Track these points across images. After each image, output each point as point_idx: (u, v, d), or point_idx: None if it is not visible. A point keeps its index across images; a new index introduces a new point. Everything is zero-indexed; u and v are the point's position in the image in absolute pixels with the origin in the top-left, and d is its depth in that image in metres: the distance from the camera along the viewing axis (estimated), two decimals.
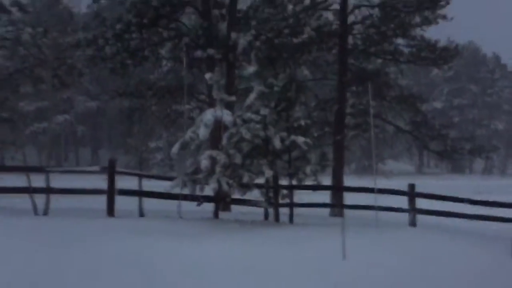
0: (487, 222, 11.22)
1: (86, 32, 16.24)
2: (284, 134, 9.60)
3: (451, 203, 11.29)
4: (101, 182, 10.62)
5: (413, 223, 10.68)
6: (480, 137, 56.33)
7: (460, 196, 12.09)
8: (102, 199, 9.94)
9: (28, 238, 6.88)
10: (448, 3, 16.04)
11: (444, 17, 16.30)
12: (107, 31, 15.10)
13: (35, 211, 9.78)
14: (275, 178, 10.00)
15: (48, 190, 9.90)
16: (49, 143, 47.44)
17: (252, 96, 10.20)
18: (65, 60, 16.22)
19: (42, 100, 43.36)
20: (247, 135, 9.49)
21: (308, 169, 9.48)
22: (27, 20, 17.76)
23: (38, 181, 10.11)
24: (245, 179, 9.44)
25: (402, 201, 11.07)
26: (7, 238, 6.78)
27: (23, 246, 6.40)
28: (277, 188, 10.15)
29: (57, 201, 10.31)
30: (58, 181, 10.36)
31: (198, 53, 14.74)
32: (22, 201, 10.39)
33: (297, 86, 10.09)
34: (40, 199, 9.94)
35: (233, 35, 14.65)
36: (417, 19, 16.39)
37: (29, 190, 9.77)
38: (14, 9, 15.98)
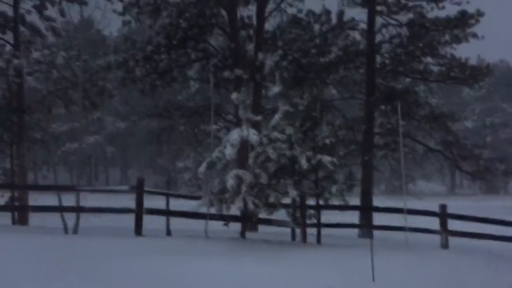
0: None
1: (117, 54, 16.67)
2: (310, 153, 9.53)
3: (484, 224, 10.95)
4: (130, 201, 10.74)
5: (445, 245, 10.37)
6: None
7: (493, 217, 11.71)
8: (131, 218, 10.03)
9: (57, 256, 6.97)
10: (478, 21, 15.77)
11: (474, 35, 16.03)
12: (137, 53, 15.46)
13: (66, 230, 9.94)
14: (302, 197, 9.90)
15: (78, 209, 10.07)
16: (80, 163, 48.35)
17: (277, 116, 10.21)
18: (96, 82, 16.62)
19: (73, 121, 44.49)
20: (273, 155, 9.46)
21: (334, 189, 9.37)
22: (60, 43, 18.38)
23: (68, 200, 10.31)
24: (272, 199, 9.38)
25: (433, 223, 10.78)
26: (37, 256, 6.89)
27: (53, 263, 6.48)
28: (303, 208, 10.05)
29: (87, 219, 10.46)
30: (88, 200, 10.54)
31: (226, 73, 14.91)
32: (54, 220, 10.59)
33: (322, 105, 10.05)
34: (70, 218, 10.10)
35: (260, 55, 14.78)
36: (447, 37, 16.17)
37: (60, 209, 9.96)
38: (48, 33, 16.54)
